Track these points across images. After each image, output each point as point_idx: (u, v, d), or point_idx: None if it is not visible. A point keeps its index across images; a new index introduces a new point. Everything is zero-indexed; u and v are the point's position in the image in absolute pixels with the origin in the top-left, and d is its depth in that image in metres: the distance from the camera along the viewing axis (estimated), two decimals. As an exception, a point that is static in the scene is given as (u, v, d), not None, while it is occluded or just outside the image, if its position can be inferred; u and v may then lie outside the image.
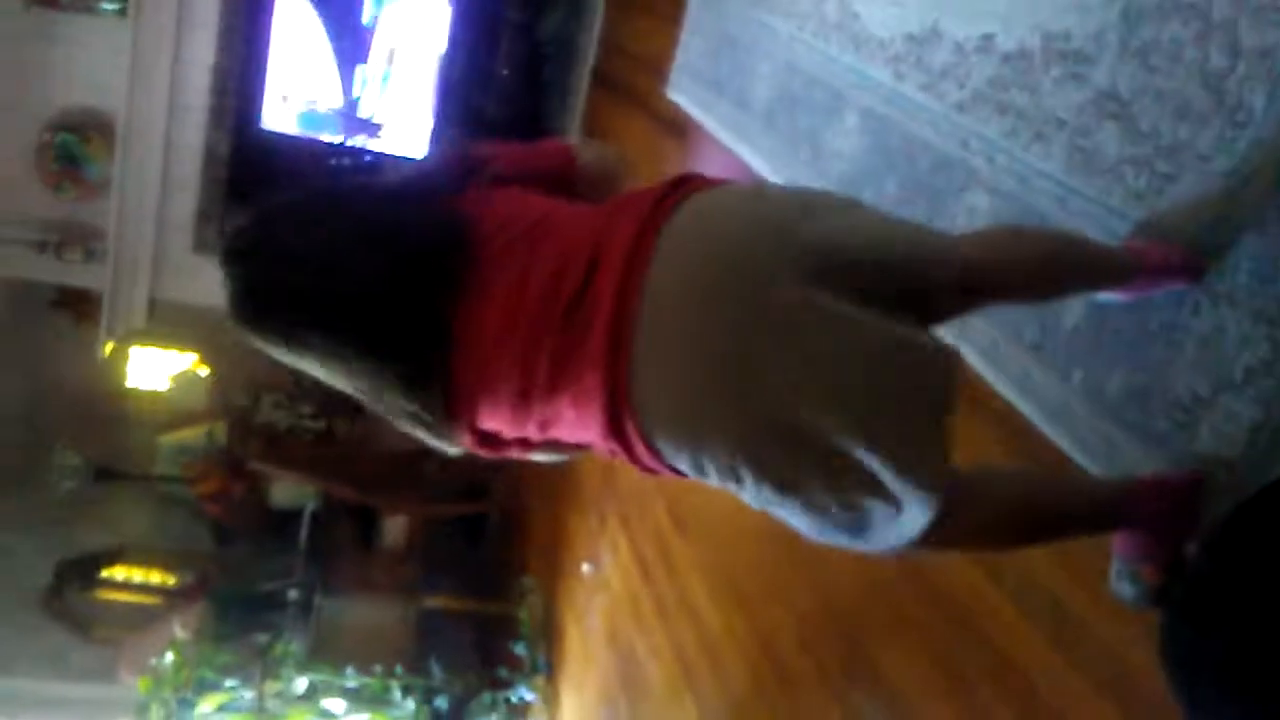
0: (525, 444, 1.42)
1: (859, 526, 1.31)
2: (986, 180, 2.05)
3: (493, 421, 1.37)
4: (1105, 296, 1.65)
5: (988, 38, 2.12)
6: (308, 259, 1.33)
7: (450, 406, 1.34)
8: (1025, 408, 1.85)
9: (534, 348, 1.29)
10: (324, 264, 1.33)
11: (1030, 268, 1.53)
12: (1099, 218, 1.75)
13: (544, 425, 1.34)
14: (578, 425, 1.32)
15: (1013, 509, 1.47)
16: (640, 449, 1.30)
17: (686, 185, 1.36)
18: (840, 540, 1.35)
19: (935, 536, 1.33)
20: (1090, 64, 1.82)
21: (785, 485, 1.27)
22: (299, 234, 1.36)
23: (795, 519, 1.33)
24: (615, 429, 1.28)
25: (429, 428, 1.37)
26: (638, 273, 1.26)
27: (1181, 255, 1.54)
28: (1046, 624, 1.73)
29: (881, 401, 1.25)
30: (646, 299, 1.25)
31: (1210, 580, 0.76)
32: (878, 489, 1.26)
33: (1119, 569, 1.53)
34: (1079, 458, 1.72)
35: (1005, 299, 1.60)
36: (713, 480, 1.31)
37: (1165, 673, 0.80)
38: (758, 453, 1.25)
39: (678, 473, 1.34)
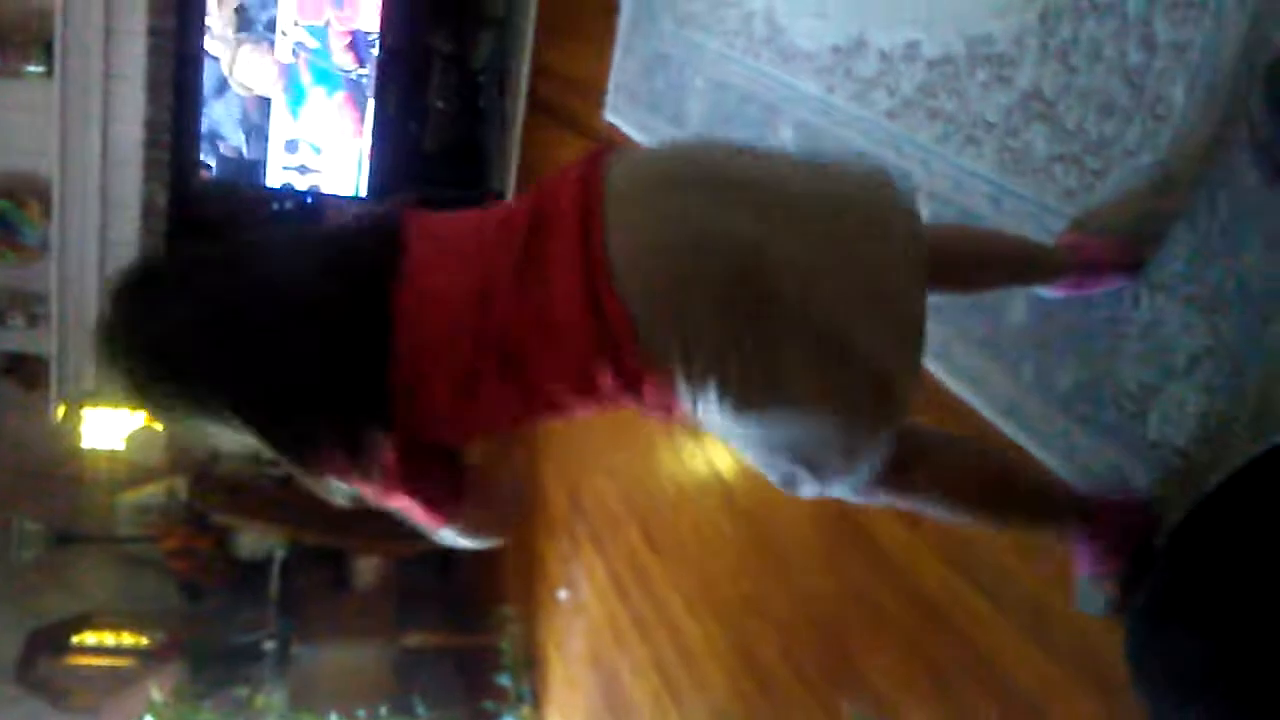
0: (451, 472, 1.36)
1: (814, 458, 1.31)
2: (923, 185, 2.08)
3: (438, 404, 1.28)
4: (1046, 292, 1.69)
5: (913, 45, 2.16)
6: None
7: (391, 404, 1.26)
8: (980, 405, 1.89)
9: (491, 269, 1.28)
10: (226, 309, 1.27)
11: (964, 248, 1.59)
12: (1034, 216, 1.79)
13: (505, 363, 1.26)
14: (547, 348, 1.26)
15: (974, 471, 1.51)
16: (627, 345, 1.23)
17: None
18: (789, 474, 1.35)
19: (894, 478, 1.35)
20: (1014, 66, 1.86)
21: (767, 383, 1.25)
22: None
23: (752, 447, 1.35)
24: (594, 310, 1.22)
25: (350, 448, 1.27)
26: (597, 179, 1.29)
27: (1116, 249, 1.58)
28: (1024, 618, 1.76)
29: (876, 296, 1.27)
30: (610, 200, 1.26)
31: (1167, 587, 0.78)
32: (849, 404, 1.27)
33: (1083, 588, 1.57)
34: (1036, 451, 1.75)
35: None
36: (696, 384, 1.25)
37: (1130, 675, 0.83)
38: (741, 336, 1.23)
39: (656, 394, 1.28)
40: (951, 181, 2.00)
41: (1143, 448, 1.55)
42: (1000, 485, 1.53)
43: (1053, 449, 1.72)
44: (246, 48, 4.58)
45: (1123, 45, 1.63)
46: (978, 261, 1.64)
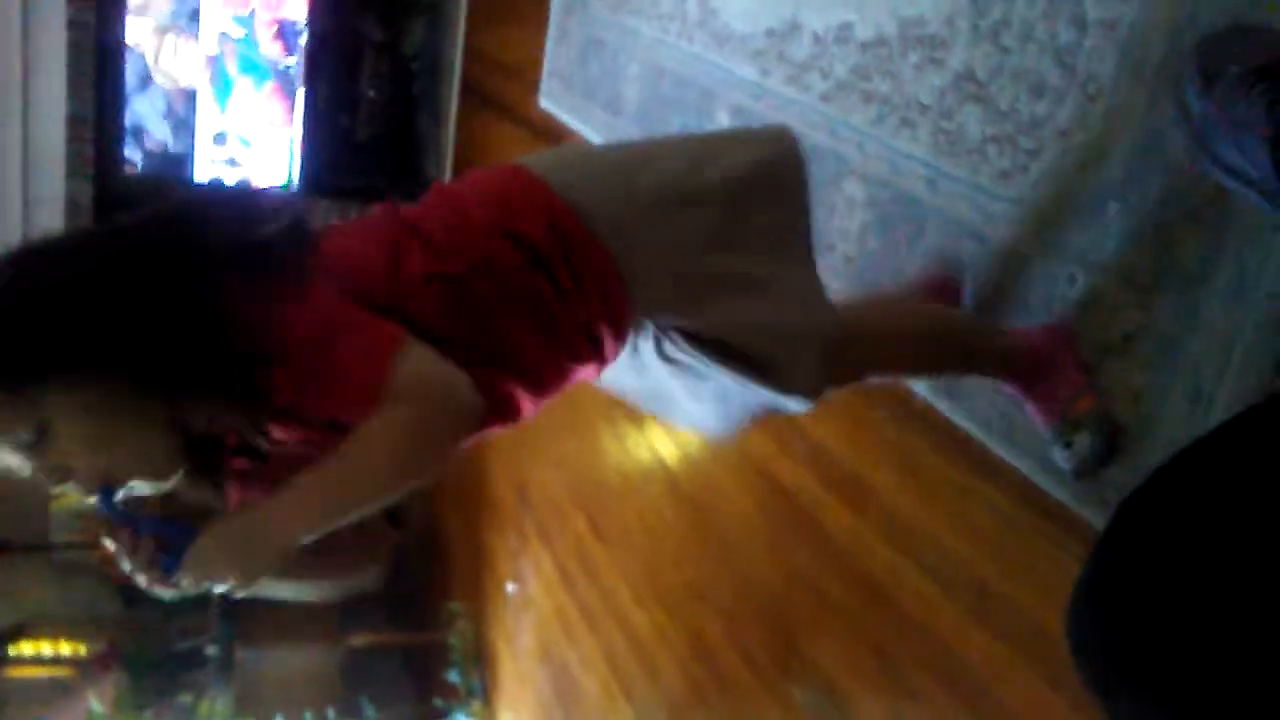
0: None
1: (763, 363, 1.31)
2: (859, 168, 2.08)
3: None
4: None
5: (845, 27, 2.14)
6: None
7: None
8: (920, 389, 1.88)
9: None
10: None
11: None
12: (969, 197, 1.78)
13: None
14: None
15: (910, 344, 1.57)
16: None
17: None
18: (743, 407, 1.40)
19: (838, 362, 1.37)
20: (946, 48, 1.85)
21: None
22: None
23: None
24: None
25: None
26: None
27: None
28: (969, 600, 1.77)
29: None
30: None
31: (1108, 568, 0.77)
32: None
33: (1049, 439, 1.54)
34: (980, 435, 1.75)
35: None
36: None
37: (1072, 657, 0.82)
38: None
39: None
40: (888, 164, 2.00)
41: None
42: (935, 351, 1.60)
43: (995, 432, 1.72)
44: (170, 38, 4.46)
45: (1053, 24, 1.63)
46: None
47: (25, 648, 5.20)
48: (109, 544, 1.01)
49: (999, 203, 1.72)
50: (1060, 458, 1.52)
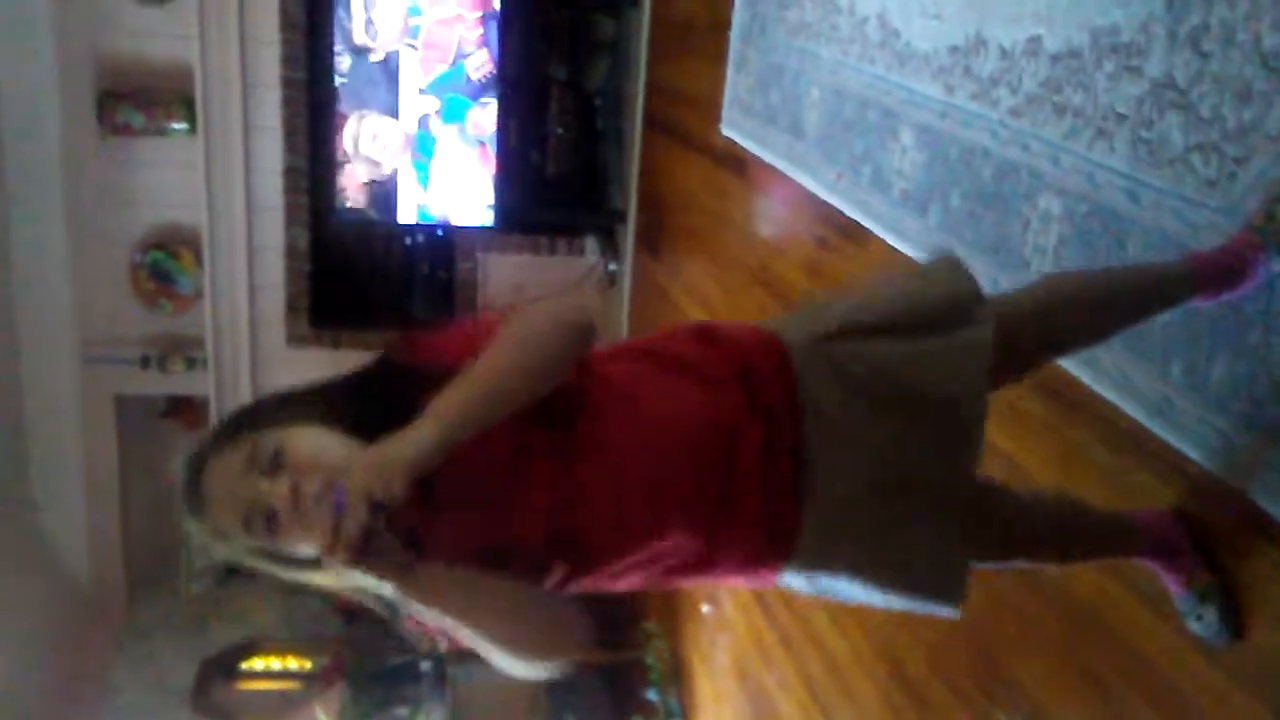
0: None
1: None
2: (1053, 182, 2.04)
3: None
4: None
5: (1034, 40, 2.11)
6: None
7: None
8: (1128, 408, 1.83)
9: None
10: None
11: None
12: (1174, 208, 1.73)
13: None
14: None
15: (1047, 534, 1.66)
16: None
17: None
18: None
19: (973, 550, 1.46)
20: (1142, 56, 1.81)
21: None
22: None
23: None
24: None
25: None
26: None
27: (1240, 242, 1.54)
28: (1181, 623, 1.70)
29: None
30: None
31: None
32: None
33: (1183, 609, 1.66)
34: (1191, 453, 1.69)
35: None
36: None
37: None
38: None
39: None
40: (1084, 177, 1.95)
41: (1305, 444, 1.49)
42: (1071, 538, 1.70)
43: (1207, 448, 1.66)
44: (369, 121, 4.68)
45: (1256, 27, 1.57)
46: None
47: (256, 663, 5.59)
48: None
49: (1206, 212, 1.67)
50: (1196, 628, 1.64)
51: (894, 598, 1.44)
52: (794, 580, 1.42)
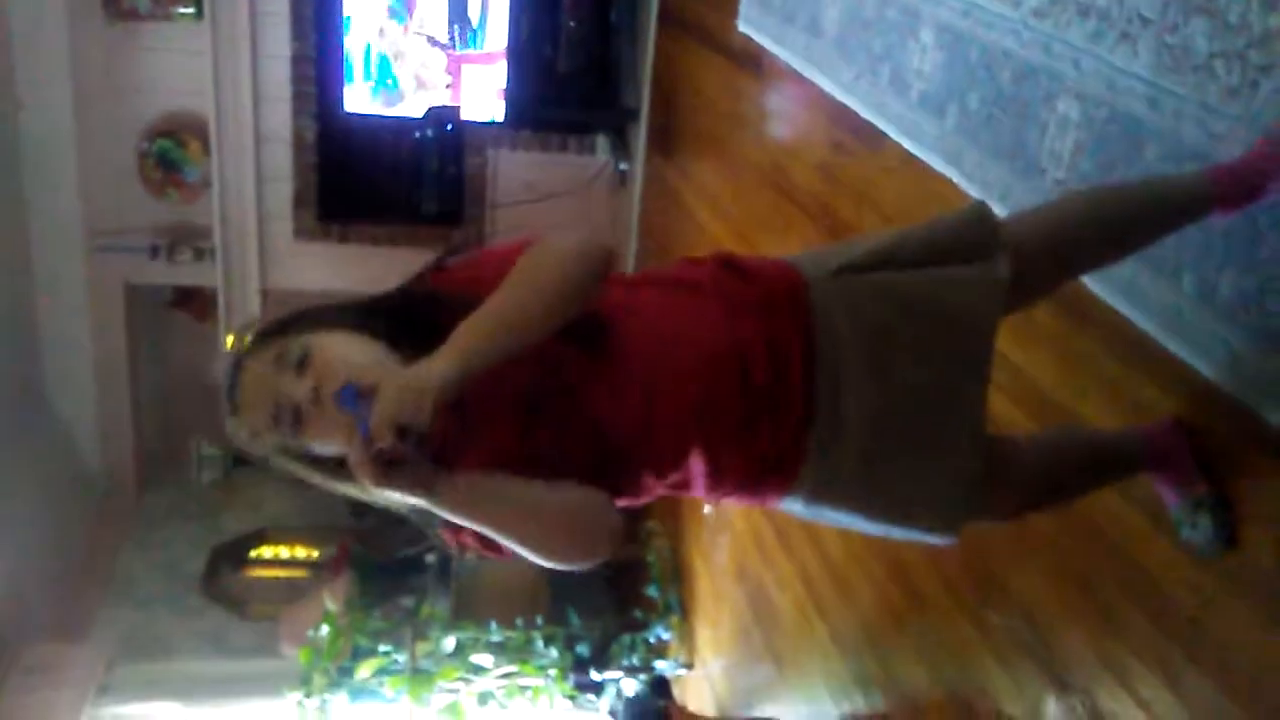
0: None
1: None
2: (1074, 86, 2.00)
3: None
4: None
5: (1061, -61, 2.05)
6: None
7: None
8: (1136, 317, 1.83)
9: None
10: None
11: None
12: (1194, 116, 1.70)
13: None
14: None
15: (1052, 471, 1.68)
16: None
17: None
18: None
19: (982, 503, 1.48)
20: (1172, -43, 1.76)
21: None
22: None
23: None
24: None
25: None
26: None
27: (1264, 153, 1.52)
28: (1175, 531, 1.73)
29: None
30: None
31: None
32: None
33: (1177, 517, 1.69)
34: (1197, 364, 1.70)
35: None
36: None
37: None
38: None
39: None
40: (1104, 82, 1.92)
41: (1311, 357, 1.49)
42: (1065, 484, 1.72)
43: (1213, 360, 1.66)
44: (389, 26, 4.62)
45: (1293, -72, 1.52)
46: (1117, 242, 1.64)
47: (265, 551, 5.71)
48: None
49: (1227, 121, 1.64)
50: (1190, 536, 1.67)
51: (892, 530, 1.48)
52: (793, 505, 1.46)
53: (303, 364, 1.22)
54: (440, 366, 1.14)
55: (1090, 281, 1.92)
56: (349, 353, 1.23)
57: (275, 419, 1.23)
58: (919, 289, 1.41)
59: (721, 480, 1.41)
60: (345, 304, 1.32)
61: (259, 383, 1.24)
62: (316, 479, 1.29)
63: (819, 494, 1.43)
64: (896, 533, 1.48)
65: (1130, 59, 1.85)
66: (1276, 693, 1.55)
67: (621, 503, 1.35)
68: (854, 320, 1.39)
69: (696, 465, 1.38)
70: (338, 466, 1.24)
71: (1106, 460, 1.75)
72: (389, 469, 1.14)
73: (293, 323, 1.29)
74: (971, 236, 1.45)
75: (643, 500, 1.41)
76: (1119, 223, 1.59)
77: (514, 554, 1.30)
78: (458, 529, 1.31)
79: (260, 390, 1.24)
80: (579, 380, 1.31)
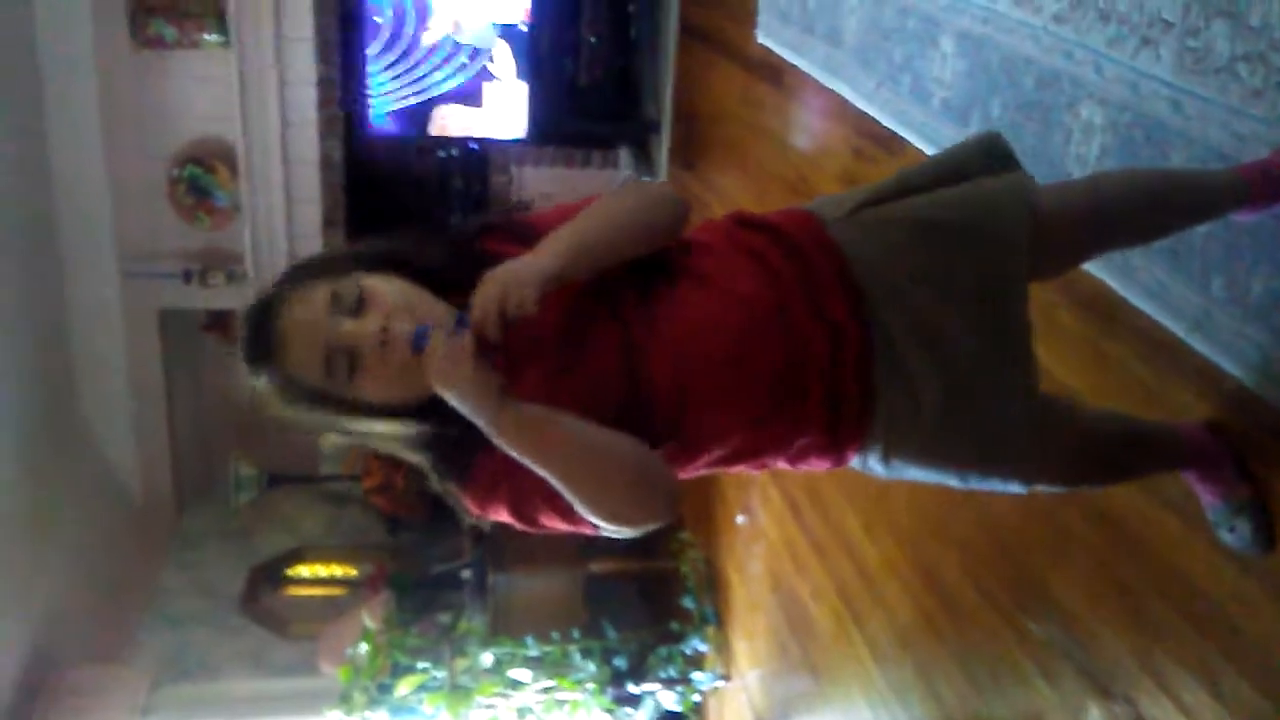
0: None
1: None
2: (1096, 92, 2.00)
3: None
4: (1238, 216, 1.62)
5: (1080, -57, 2.05)
6: None
7: None
8: (1166, 320, 1.82)
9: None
10: None
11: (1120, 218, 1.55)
12: (1219, 119, 1.70)
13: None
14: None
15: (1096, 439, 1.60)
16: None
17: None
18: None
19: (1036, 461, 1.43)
20: (1191, -40, 1.76)
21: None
22: None
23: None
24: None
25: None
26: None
27: None
28: (1211, 533, 1.72)
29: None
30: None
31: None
32: None
33: (1215, 520, 1.67)
34: (1229, 367, 1.69)
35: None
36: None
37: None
38: None
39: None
40: (1128, 86, 1.91)
41: (1345, 359, 1.48)
42: (1116, 457, 1.65)
43: (1244, 362, 1.65)
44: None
45: (1313, -72, 1.52)
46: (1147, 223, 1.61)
47: (303, 570, 5.75)
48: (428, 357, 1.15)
49: (1251, 123, 1.63)
50: (1228, 539, 1.66)
51: (967, 478, 1.41)
52: (872, 461, 1.39)
53: (360, 306, 1.16)
54: (542, 261, 1.15)
55: (1118, 285, 1.91)
56: (410, 294, 1.20)
57: (329, 362, 1.16)
58: (941, 209, 1.37)
59: (784, 446, 1.35)
60: (383, 248, 1.27)
61: (308, 328, 1.16)
62: (351, 424, 1.23)
63: (896, 438, 1.35)
64: (973, 481, 1.42)
65: (1153, 62, 1.85)
66: (1320, 697, 1.54)
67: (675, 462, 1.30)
68: (884, 249, 1.35)
69: (743, 440, 1.32)
70: (376, 408, 1.20)
71: (1152, 446, 1.70)
72: (476, 365, 1.11)
73: (330, 265, 1.23)
74: (985, 157, 1.43)
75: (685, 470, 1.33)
76: (1149, 203, 1.56)
77: (545, 530, 1.25)
78: (485, 500, 1.26)
79: (310, 335, 1.16)
80: (632, 321, 1.27)
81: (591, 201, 1.30)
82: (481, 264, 1.18)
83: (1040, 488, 1.49)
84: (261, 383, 1.19)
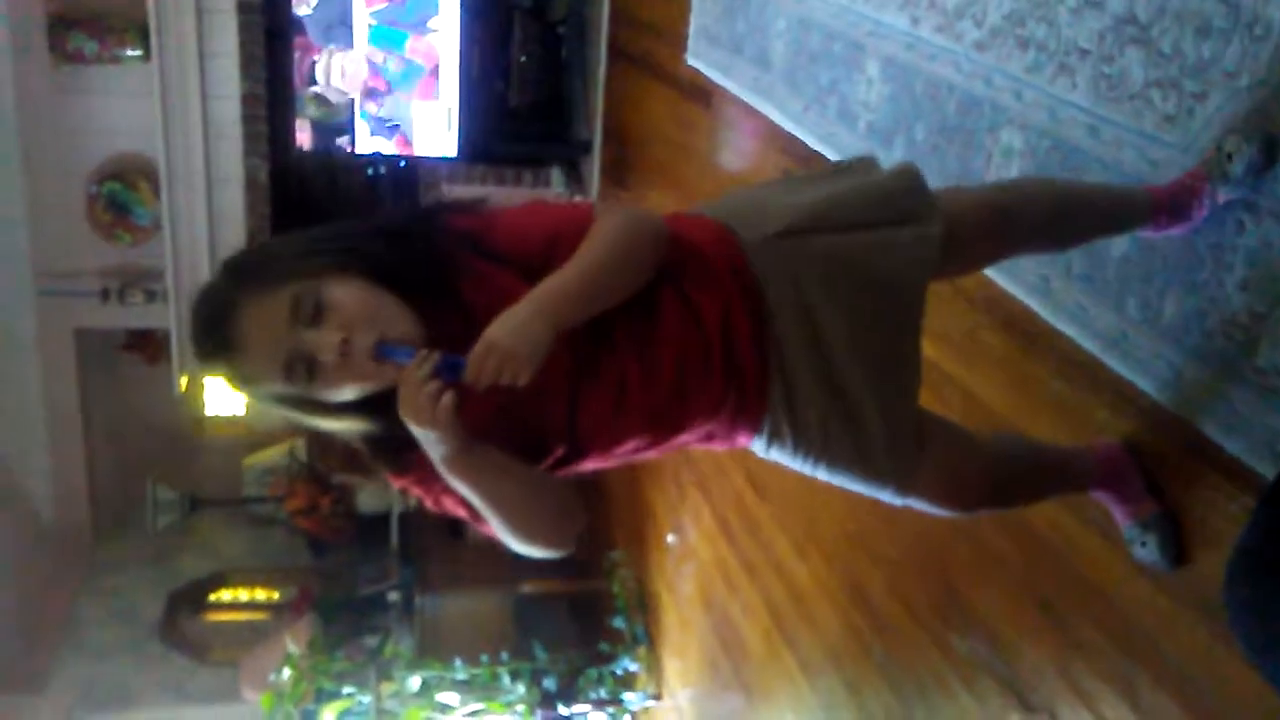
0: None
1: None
2: (1016, 117, 2.05)
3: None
4: (1145, 232, 1.67)
5: (999, -27, 2.10)
6: None
7: None
8: (1082, 339, 1.87)
9: None
10: None
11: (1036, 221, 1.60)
12: (1133, 144, 1.75)
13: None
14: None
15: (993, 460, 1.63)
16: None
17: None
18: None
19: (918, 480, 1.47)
20: (1105, -10, 1.81)
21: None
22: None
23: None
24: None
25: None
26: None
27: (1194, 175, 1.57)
28: (1126, 548, 1.76)
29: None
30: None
31: (1265, 536, 0.78)
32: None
33: (1128, 536, 1.72)
34: (1145, 385, 1.73)
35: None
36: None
37: (1228, 619, 0.83)
38: None
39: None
40: (1046, 112, 1.96)
41: (1252, 377, 1.53)
42: (1021, 482, 1.68)
43: (1159, 380, 1.70)
44: (335, 57, 4.64)
45: (1220, -38, 1.57)
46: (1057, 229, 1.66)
47: (225, 595, 5.63)
48: (403, 383, 1.16)
49: (1164, 148, 1.68)
50: (1141, 554, 1.70)
51: (850, 478, 1.47)
52: (757, 446, 1.46)
53: (320, 313, 1.17)
54: (539, 328, 1.15)
55: (1039, 306, 1.96)
56: (368, 301, 1.20)
57: (288, 369, 1.18)
58: (856, 252, 1.41)
59: (690, 434, 1.41)
60: (340, 246, 1.25)
61: (268, 333, 1.18)
62: (310, 420, 1.27)
63: (779, 441, 1.43)
64: (853, 483, 1.48)
65: (1069, 89, 1.90)
66: (1235, 707, 1.58)
67: (590, 464, 1.37)
68: (796, 284, 1.39)
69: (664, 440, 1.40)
70: (337, 406, 1.23)
71: (1056, 472, 1.76)
72: (447, 411, 1.13)
73: (287, 265, 1.22)
74: (903, 199, 1.46)
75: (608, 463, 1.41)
76: (1058, 209, 1.62)
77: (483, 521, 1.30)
78: (435, 491, 1.32)
79: (269, 344, 1.18)
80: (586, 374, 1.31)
81: (578, 223, 1.29)
82: (444, 267, 1.23)
83: (928, 509, 1.53)
84: (222, 372, 1.22)
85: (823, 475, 1.47)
